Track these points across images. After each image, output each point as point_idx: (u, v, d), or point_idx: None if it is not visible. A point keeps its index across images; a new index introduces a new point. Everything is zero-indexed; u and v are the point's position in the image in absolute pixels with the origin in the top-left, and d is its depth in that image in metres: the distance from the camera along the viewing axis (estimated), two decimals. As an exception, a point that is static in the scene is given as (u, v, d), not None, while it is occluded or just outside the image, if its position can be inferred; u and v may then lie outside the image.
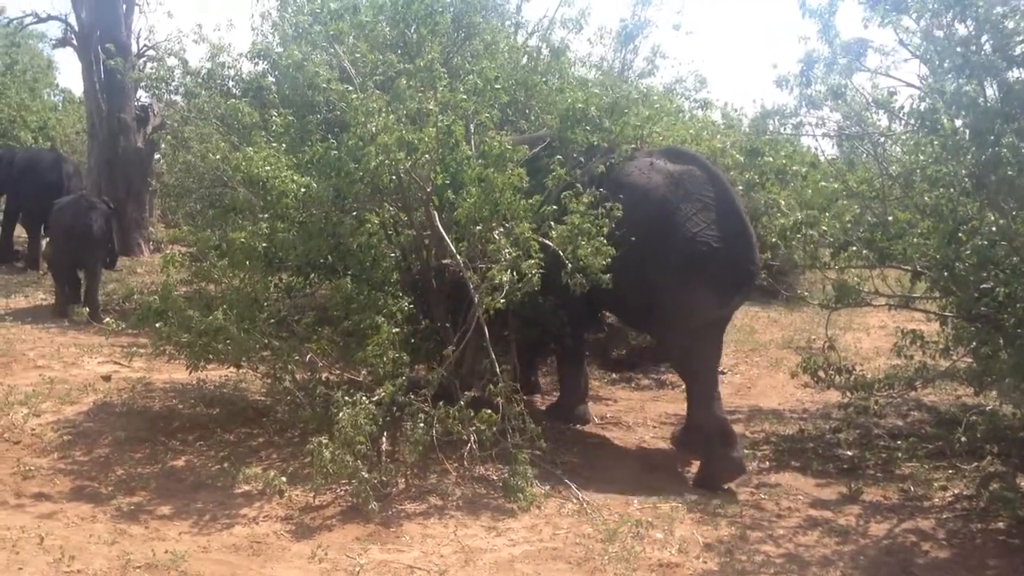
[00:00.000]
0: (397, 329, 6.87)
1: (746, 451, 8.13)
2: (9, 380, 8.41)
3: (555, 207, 7.33)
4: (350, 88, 7.85)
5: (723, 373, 11.25)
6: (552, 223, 7.23)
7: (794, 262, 9.02)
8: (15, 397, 7.93)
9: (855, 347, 12.34)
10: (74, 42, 18.67)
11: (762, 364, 11.93)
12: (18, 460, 6.84)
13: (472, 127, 7.71)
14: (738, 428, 8.97)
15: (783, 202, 8.52)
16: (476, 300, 6.86)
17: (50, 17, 19.47)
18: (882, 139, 8.90)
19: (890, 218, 7.77)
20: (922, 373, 7.98)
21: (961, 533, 6.50)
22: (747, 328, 14.05)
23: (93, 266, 12.12)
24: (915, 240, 7.58)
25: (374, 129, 7.03)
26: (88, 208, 12.06)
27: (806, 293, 11.38)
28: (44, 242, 14.79)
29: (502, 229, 7.14)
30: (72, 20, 18.65)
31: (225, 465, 7.00)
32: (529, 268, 6.81)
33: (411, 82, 7.74)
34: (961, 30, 7.26)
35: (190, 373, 7.55)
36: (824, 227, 7.96)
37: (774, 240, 8.49)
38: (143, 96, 18.40)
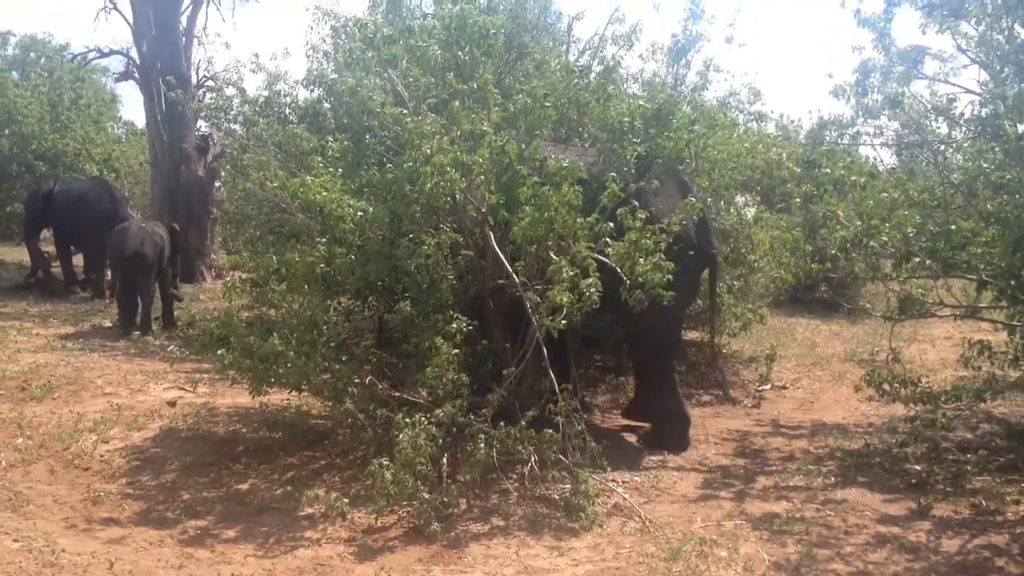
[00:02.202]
0: (456, 350, 6.88)
1: (810, 467, 8.02)
2: (78, 407, 8.59)
3: (611, 223, 7.31)
4: (404, 111, 7.93)
5: (784, 387, 11.15)
6: (608, 240, 7.21)
7: (855, 274, 8.89)
8: (84, 424, 8.09)
9: (920, 359, 12.10)
10: (136, 75, 19.17)
11: (824, 378, 11.75)
12: (88, 486, 6.97)
13: (526, 146, 7.74)
14: (801, 443, 8.87)
15: (842, 213, 8.42)
16: (535, 321, 6.86)
17: (112, 52, 20.04)
18: (942, 147, 8.76)
19: (953, 227, 7.63)
20: (991, 384, 7.80)
21: (1037, 548, 6.32)
22: (808, 342, 13.88)
23: (146, 289, 12.79)
24: (979, 249, 7.43)
25: (429, 151, 7.09)
26: (143, 233, 12.77)
27: (868, 305, 11.21)
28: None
29: (558, 248, 7.14)
30: (134, 54, 19.19)
31: (288, 488, 7.06)
32: (588, 287, 6.79)
33: (464, 103, 7.79)
34: (1022, 34, 7.14)
35: (253, 398, 7.63)
36: (885, 238, 7.84)
37: (834, 252, 8.38)
38: (203, 126, 18.85)
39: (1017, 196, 7.07)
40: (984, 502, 7.10)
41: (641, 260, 7.03)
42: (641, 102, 9.13)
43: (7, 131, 21.50)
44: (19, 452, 7.39)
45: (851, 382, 9.90)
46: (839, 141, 9.83)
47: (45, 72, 24.96)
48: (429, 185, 7.04)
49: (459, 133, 7.49)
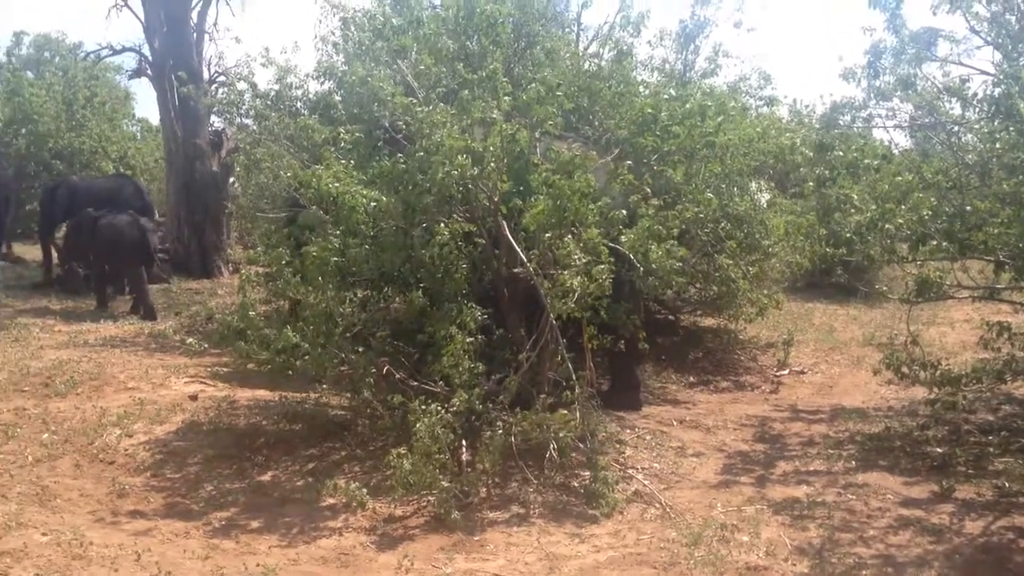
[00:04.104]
0: (471, 339, 6.91)
1: (831, 451, 8.02)
2: (102, 402, 8.66)
3: (624, 211, 7.32)
4: (414, 101, 7.95)
5: (802, 373, 11.13)
6: (622, 227, 7.22)
7: (871, 258, 8.86)
8: (108, 419, 8.16)
9: (939, 342, 12.06)
10: (149, 72, 19.22)
11: (843, 363, 11.73)
12: (113, 479, 7.04)
13: (537, 134, 7.75)
14: (821, 428, 8.87)
15: (856, 197, 8.39)
16: (549, 307, 6.88)
17: (125, 49, 20.11)
18: (956, 128, 8.70)
19: (968, 208, 7.59)
20: (1011, 366, 7.76)
21: (1059, 528, 6.31)
22: (826, 327, 13.84)
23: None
24: (996, 230, 7.39)
25: (440, 139, 7.11)
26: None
27: (885, 288, 11.20)
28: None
29: (571, 235, 7.15)
30: (146, 51, 19.24)
31: (309, 479, 7.11)
32: (600, 273, 6.80)
33: (475, 92, 7.80)
34: (1035, 13, 7.09)
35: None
36: (900, 220, 7.80)
37: (849, 236, 8.36)
38: (216, 121, 18.87)
39: (1032, 175, 7.04)
40: (1007, 483, 7.09)
41: (654, 247, 7.04)
42: (666, 95, 9.14)
43: (24, 130, 21.65)
44: (45, 447, 7.47)
45: (870, 366, 9.87)
46: (852, 124, 9.77)
47: (60, 71, 25.11)
48: (440, 174, 7.06)
49: (469, 122, 7.50)
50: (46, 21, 72.72)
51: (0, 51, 27.05)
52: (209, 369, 9.94)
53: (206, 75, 19.18)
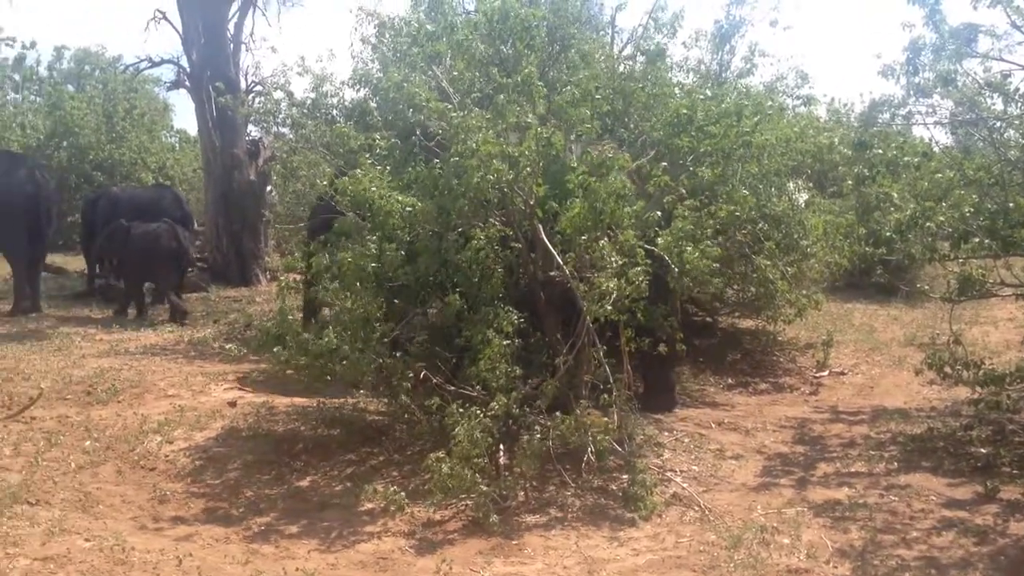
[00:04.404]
0: (508, 342, 6.91)
1: (872, 453, 7.92)
2: (143, 409, 8.76)
3: (659, 213, 7.29)
4: (449, 106, 7.97)
5: (843, 373, 11.01)
6: (657, 229, 7.19)
7: (912, 256, 8.75)
8: (149, 425, 8.25)
9: (983, 341, 11.86)
10: (187, 83, 19.45)
11: (884, 363, 11.58)
12: (154, 486, 7.12)
13: (572, 137, 7.74)
14: (862, 429, 8.76)
15: (896, 195, 8.29)
16: (585, 310, 6.86)
17: (163, 61, 20.37)
18: (998, 124, 8.57)
19: (1011, 205, 7.48)
20: (1057, 364, 7.63)
21: (1108, 529, 6.18)
22: (866, 327, 13.68)
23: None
24: (1040, 226, 7.27)
25: (475, 145, 7.12)
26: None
27: (927, 288, 11.04)
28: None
29: (607, 238, 7.13)
30: (184, 63, 19.47)
31: (348, 484, 7.14)
32: (636, 275, 6.77)
33: (509, 97, 7.81)
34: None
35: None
36: (942, 218, 7.71)
37: (889, 235, 8.26)
38: (253, 130, 19.05)
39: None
40: (1052, 484, 6.96)
41: (689, 248, 7.00)
42: (701, 96, 9.10)
43: (65, 143, 22.00)
44: (87, 454, 7.56)
45: (911, 366, 9.73)
46: (891, 122, 9.66)
47: (100, 84, 25.48)
48: (476, 178, 7.07)
49: (504, 126, 7.51)
50: (87, 35, 73.95)
51: (42, 66, 27.49)
52: (248, 375, 10.01)
53: (243, 85, 19.39)
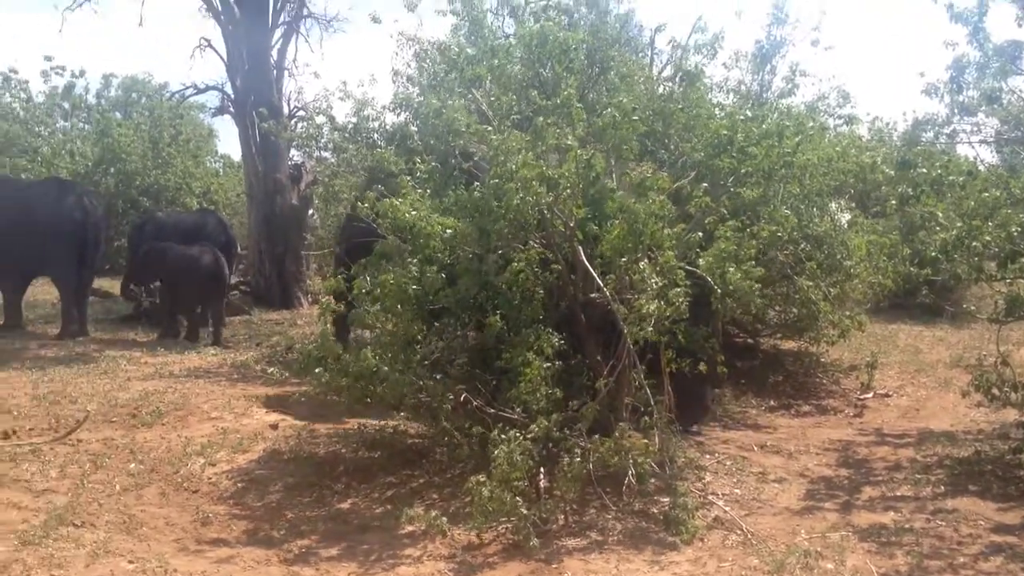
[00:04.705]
0: (548, 364, 6.89)
1: (918, 476, 7.80)
2: (186, 432, 8.85)
3: (700, 234, 7.26)
4: (489, 129, 8.01)
5: (887, 395, 10.86)
6: (698, 250, 7.16)
7: (958, 276, 8.64)
8: (192, 448, 8.33)
9: (1031, 362, 11.64)
10: (231, 109, 19.75)
11: (930, 385, 11.41)
12: (197, 508, 7.17)
13: (612, 159, 7.74)
14: (907, 452, 8.63)
15: (941, 215, 8.20)
16: (626, 332, 6.83)
17: (208, 88, 20.70)
18: (1046, 141, 8.46)
19: (1060, 223, 7.35)
20: (1106, 386, 7.47)
21: None
22: (911, 348, 13.50)
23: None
24: (1089, 245, 7.15)
25: (514, 167, 7.14)
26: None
27: (973, 308, 10.87)
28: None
29: (647, 259, 7.10)
30: (228, 89, 19.79)
31: (388, 507, 7.14)
32: (676, 296, 6.74)
33: (548, 119, 7.83)
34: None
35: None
36: (988, 238, 7.60)
37: (934, 255, 8.16)
38: (295, 155, 19.28)
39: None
40: (1104, 508, 6.80)
41: (732, 269, 6.96)
42: (742, 116, 9.08)
43: (112, 169, 22.38)
44: (132, 476, 7.64)
45: (958, 388, 9.60)
46: (935, 140, 9.58)
47: (146, 111, 25.94)
48: (516, 201, 7.09)
49: (544, 148, 7.53)
50: (134, 63, 75.38)
51: (90, 94, 28.07)
52: (290, 398, 10.07)
53: (286, 110, 19.64)
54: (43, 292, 18.31)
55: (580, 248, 7.44)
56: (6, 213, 14.52)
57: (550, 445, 6.81)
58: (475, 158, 8.33)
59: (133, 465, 7.88)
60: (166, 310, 15.02)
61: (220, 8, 19.20)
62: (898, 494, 7.44)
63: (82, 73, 28.17)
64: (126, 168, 22.13)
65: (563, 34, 9.23)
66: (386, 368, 7.16)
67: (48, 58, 27.55)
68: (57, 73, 27.71)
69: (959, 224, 7.80)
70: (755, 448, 8.75)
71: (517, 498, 6.26)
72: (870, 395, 10.92)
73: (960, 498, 7.29)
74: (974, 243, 7.63)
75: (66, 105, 27.90)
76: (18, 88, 27.94)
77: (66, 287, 14.97)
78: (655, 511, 6.83)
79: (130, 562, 5.90)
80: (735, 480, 7.74)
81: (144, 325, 15.68)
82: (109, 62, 74.17)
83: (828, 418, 10.20)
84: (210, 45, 20.04)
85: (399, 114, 10.73)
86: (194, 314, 14.77)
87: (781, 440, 9.13)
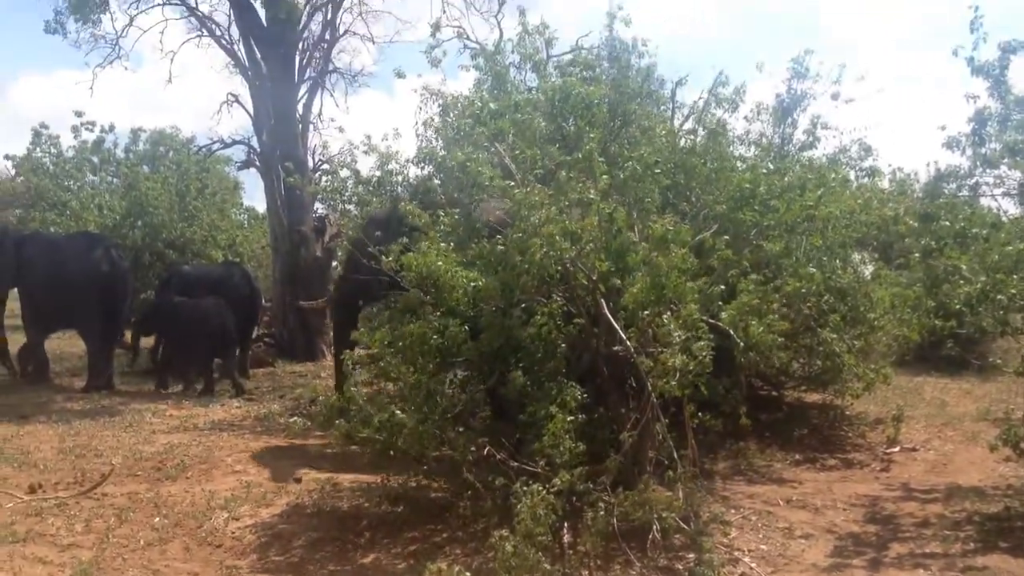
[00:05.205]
0: (572, 418, 6.88)
1: (947, 532, 7.69)
2: (210, 485, 8.87)
3: (722, 287, 7.27)
4: (512, 184, 8.09)
5: (914, 450, 10.74)
6: (721, 303, 7.16)
7: (983, 330, 8.59)
8: (216, 502, 8.34)
9: (1061, 416, 11.49)
10: (256, 163, 20.04)
11: (957, 438, 11.28)
12: (221, 563, 7.16)
13: (635, 212, 7.79)
14: (936, 508, 8.51)
15: (965, 267, 8.17)
16: (649, 386, 6.82)
17: (235, 142, 21.07)
18: (1070, 193, 8.45)
19: (1085, 276, 7.32)
20: None
21: None
22: (937, 401, 13.36)
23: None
24: (1117, 298, 7.11)
25: (537, 221, 7.20)
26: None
27: (999, 361, 10.77)
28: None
29: (670, 313, 7.11)
30: (254, 143, 20.08)
31: (411, 562, 7.10)
32: (700, 350, 6.73)
33: (571, 173, 7.90)
34: None
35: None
36: (1013, 291, 7.56)
37: (959, 308, 8.12)
38: (320, 208, 19.47)
39: None
40: None
41: (754, 322, 6.95)
42: (764, 169, 9.13)
43: (140, 222, 22.63)
44: (156, 531, 7.66)
45: (985, 442, 9.47)
46: (957, 193, 9.57)
47: (173, 165, 26.27)
48: (539, 255, 7.13)
49: (567, 203, 7.59)
50: (162, 117, 76.64)
51: (119, 148, 28.47)
52: (314, 450, 10.10)
53: (311, 164, 19.91)
54: (70, 345, 18.49)
55: (603, 301, 7.46)
56: (37, 267, 14.77)
57: (574, 499, 6.78)
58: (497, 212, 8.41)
59: (157, 519, 7.90)
60: (164, 363, 15.28)
61: (247, 64, 19.57)
62: (927, 551, 7.33)
63: (111, 128, 28.61)
64: (153, 221, 22.37)
65: (585, 89, 9.34)
66: (408, 420, 7.17)
67: (79, 113, 27.99)
68: (87, 128, 28.17)
69: (983, 277, 7.77)
70: (781, 503, 8.66)
71: (540, 553, 6.22)
72: (896, 449, 10.79)
73: (990, 555, 7.18)
74: (999, 296, 7.59)
75: (95, 159, 28.30)
76: (48, 143, 28.44)
77: (93, 340, 15.14)
78: (680, 567, 6.77)
79: (154, 617, 5.91)
80: (761, 536, 7.66)
81: (172, 378, 15.78)
82: (138, 116, 75.44)
83: (854, 472, 10.08)
84: (237, 100, 20.42)
85: (423, 168, 10.84)
86: (208, 368, 14.88)
87: (807, 495, 9.03)
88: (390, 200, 11.03)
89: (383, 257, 8.10)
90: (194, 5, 20.33)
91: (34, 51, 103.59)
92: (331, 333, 19.02)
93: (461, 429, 7.48)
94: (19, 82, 78.02)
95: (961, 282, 7.96)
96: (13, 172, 28.65)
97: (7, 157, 28.82)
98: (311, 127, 20.52)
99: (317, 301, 15.75)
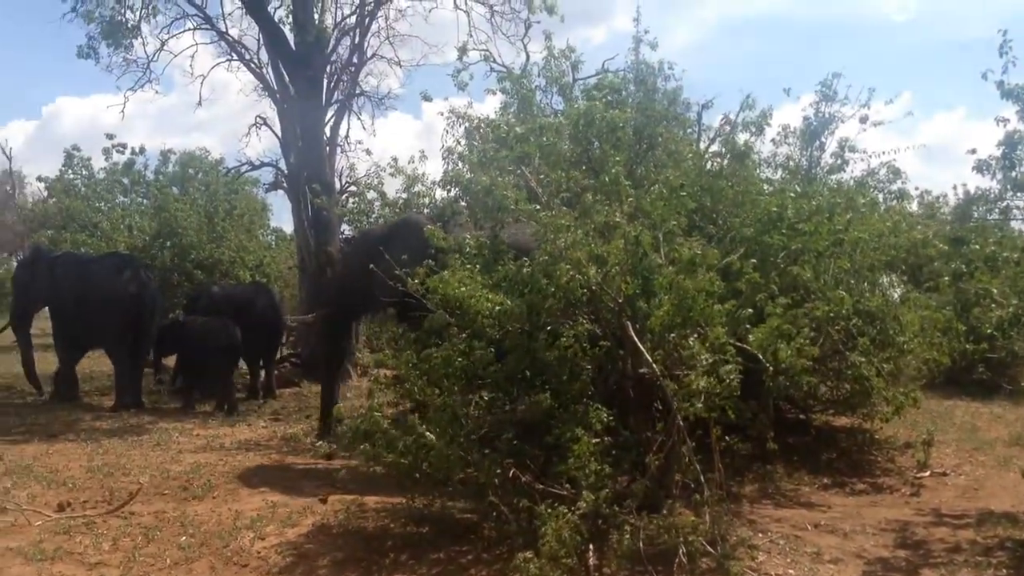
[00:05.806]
0: (597, 440, 6.86)
1: (979, 559, 7.58)
2: (236, 505, 8.89)
3: (750, 310, 7.24)
4: (537, 207, 8.11)
5: (945, 474, 10.61)
6: (748, 326, 7.14)
7: (1015, 353, 8.50)
8: (242, 521, 8.36)
9: (1094, 441, 11.35)
10: (284, 185, 20.20)
11: (988, 463, 11.13)
12: (246, 583, 7.19)
13: (661, 235, 7.79)
14: (967, 534, 8.40)
15: (996, 291, 8.10)
16: (676, 408, 6.80)
17: (263, 164, 21.27)
18: (1100, 217, 8.38)
19: (1118, 300, 7.24)
20: None
21: None
22: (968, 425, 13.21)
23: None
24: None
25: (563, 245, 7.21)
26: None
27: (1031, 385, 10.63)
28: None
29: (696, 335, 7.09)
30: (282, 165, 20.28)
31: (436, 584, 7.10)
32: (727, 373, 6.71)
33: (597, 196, 7.92)
34: None
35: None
36: (1045, 314, 7.49)
37: (990, 331, 8.04)
38: (347, 229, 19.58)
39: None
40: None
41: (783, 346, 6.92)
42: (792, 193, 9.12)
43: (169, 243, 22.87)
44: (183, 550, 7.68)
45: (1017, 467, 9.36)
46: (987, 216, 9.51)
47: (202, 186, 26.56)
48: (565, 278, 7.14)
49: (593, 226, 7.60)
50: (192, 139, 77.54)
51: (149, 170, 28.89)
52: (339, 471, 10.10)
53: (338, 185, 20.06)
54: (99, 364, 18.66)
55: (629, 324, 7.45)
56: (67, 287, 14.97)
57: (599, 521, 6.75)
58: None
59: (184, 538, 7.93)
60: (176, 381, 15.48)
61: (276, 87, 19.77)
62: (958, 577, 7.24)
63: (142, 150, 29.03)
64: (182, 242, 22.60)
65: (610, 113, 9.37)
66: (434, 442, 7.18)
67: (110, 136, 28.46)
68: (118, 151, 28.58)
69: (1015, 301, 7.70)
70: (809, 527, 8.57)
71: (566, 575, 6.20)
72: (927, 473, 10.67)
73: (1023, 582, 7.08)
74: (1031, 320, 7.53)
75: (126, 181, 28.68)
76: (80, 165, 28.87)
77: (121, 360, 15.27)
78: (707, 592, 6.72)
79: (180, 637, 5.92)
80: (789, 560, 7.58)
81: (197, 396, 15.89)
82: (168, 138, 76.32)
83: (884, 497, 9.97)
84: (265, 123, 20.62)
85: (449, 190, 10.92)
86: (226, 385, 15.03)
87: (836, 519, 8.93)
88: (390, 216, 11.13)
89: (409, 279, 8.13)
90: (224, 30, 20.63)
91: (72, 75, 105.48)
92: (356, 354, 19.15)
93: (486, 451, 7.47)
94: (56, 105, 79.36)
95: (992, 306, 7.90)
96: (46, 193, 29.08)
97: (40, 179, 29.29)
98: (338, 149, 20.70)
99: (308, 316, 15.86)
